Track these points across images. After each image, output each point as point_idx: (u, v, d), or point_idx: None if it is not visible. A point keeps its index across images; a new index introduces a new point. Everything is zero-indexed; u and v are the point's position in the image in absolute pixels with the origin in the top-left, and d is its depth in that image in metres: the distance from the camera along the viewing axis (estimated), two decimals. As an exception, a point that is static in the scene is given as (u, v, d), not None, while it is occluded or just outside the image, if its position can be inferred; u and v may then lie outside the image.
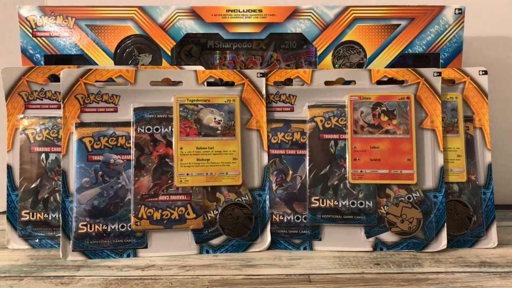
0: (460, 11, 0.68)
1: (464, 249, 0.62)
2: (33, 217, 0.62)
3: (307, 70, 0.63)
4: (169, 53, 0.69)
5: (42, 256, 0.60)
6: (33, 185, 0.62)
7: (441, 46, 0.69)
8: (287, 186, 0.63)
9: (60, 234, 0.58)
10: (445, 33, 0.69)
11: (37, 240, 0.62)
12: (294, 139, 0.63)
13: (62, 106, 0.60)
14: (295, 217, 0.62)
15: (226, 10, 0.68)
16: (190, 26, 0.68)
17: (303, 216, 0.62)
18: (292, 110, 0.64)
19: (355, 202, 0.61)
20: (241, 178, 0.61)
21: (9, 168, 0.63)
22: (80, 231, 0.58)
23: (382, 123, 0.62)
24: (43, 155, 0.63)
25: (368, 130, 0.62)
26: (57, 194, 0.62)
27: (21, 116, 0.63)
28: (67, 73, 0.60)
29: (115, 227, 0.59)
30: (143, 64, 0.69)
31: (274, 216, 0.62)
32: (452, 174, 0.62)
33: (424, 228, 0.61)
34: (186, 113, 0.61)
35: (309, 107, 0.63)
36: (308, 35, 0.69)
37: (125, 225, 0.59)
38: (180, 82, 0.63)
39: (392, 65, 0.69)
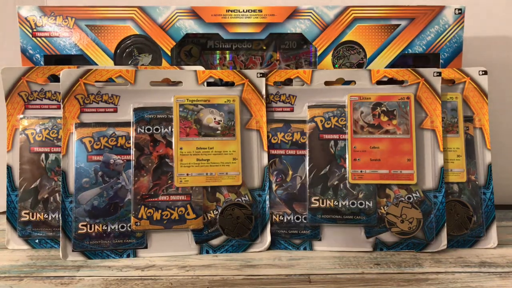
0: (460, 11, 0.68)
1: (464, 249, 0.62)
2: (33, 217, 0.62)
3: (307, 70, 0.63)
4: (169, 53, 0.69)
5: (42, 257, 0.60)
6: (33, 185, 0.62)
7: (441, 46, 0.69)
8: (287, 186, 0.63)
9: (60, 235, 0.58)
10: (445, 33, 0.69)
11: (37, 241, 0.62)
12: (294, 139, 0.63)
13: (62, 106, 0.60)
14: (295, 217, 0.62)
15: (226, 10, 0.68)
16: (190, 26, 0.68)
17: (303, 216, 0.62)
18: (292, 110, 0.64)
19: (355, 202, 0.61)
20: (241, 178, 0.61)
21: (9, 168, 0.63)
22: (80, 231, 0.58)
23: (382, 123, 0.62)
24: (43, 155, 0.63)
25: (368, 130, 0.62)
26: (57, 194, 0.62)
27: (21, 116, 0.63)
28: (67, 73, 0.60)
29: (115, 227, 0.59)
30: (143, 64, 0.69)
31: (274, 216, 0.62)
32: (452, 174, 0.62)
33: (424, 228, 0.61)
34: (186, 113, 0.61)
35: (309, 107, 0.63)
36: (308, 35, 0.69)
37: (125, 225, 0.59)
38: (180, 82, 0.63)
39: (392, 65, 0.69)
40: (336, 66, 0.70)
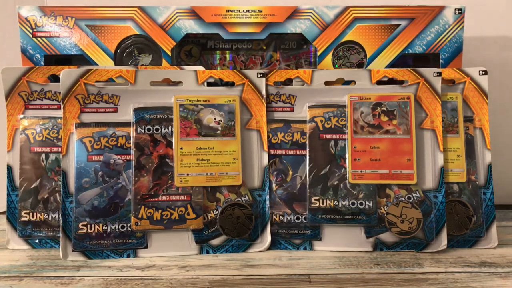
0: (460, 11, 0.68)
1: (464, 249, 0.62)
2: (33, 217, 0.62)
3: (307, 70, 0.63)
4: (169, 53, 0.69)
5: (42, 257, 0.60)
6: (33, 185, 0.62)
7: (441, 46, 0.69)
8: (287, 186, 0.63)
9: (60, 235, 0.58)
10: (445, 33, 0.69)
11: (37, 240, 0.62)
12: (294, 139, 0.63)
13: (62, 106, 0.60)
14: (295, 217, 0.62)
15: (226, 10, 0.68)
16: (190, 26, 0.68)
17: (303, 216, 0.62)
18: (292, 110, 0.64)
19: (355, 202, 0.61)
20: (241, 178, 0.61)
21: (9, 168, 0.63)
22: (80, 231, 0.58)
23: (382, 123, 0.62)
24: (43, 155, 0.63)
25: (368, 130, 0.62)
26: (57, 194, 0.62)
27: (21, 116, 0.63)
28: (67, 73, 0.60)
29: (115, 227, 0.59)
30: (143, 64, 0.69)
31: (274, 216, 0.62)
32: (452, 174, 0.62)
33: (424, 228, 0.61)
34: (186, 113, 0.61)
35: (309, 107, 0.63)
36: (308, 35, 0.69)
37: (125, 225, 0.59)
38: (180, 82, 0.63)
39: (392, 65, 0.69)
40: (336, 66, 0.70)
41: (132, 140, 0.60)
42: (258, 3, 0.72)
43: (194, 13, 0.68)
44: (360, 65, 0.70)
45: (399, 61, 0.69)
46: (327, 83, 0.64)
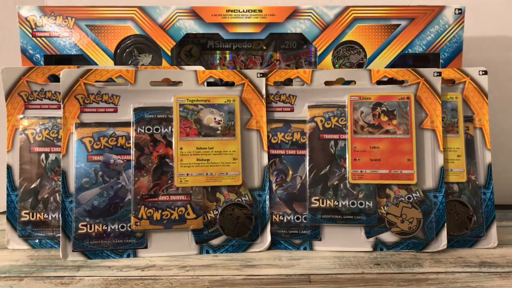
0: (460, 11, 0.68)
1: (464, 249, 0.62)
2: (33, 217, 0.62)
3: (307, 70, 0.63)
4: (169, 53, 0.69)
5: (42, 257, 0.60)
6: (33, 185, 0.62)
7: (441, 46, 0.69)
8: (287, 186, 0.63)
9: (60, 235, 0.58)
10: (445, 33, 0.69)
11: (37, 241, 0.62)
12: (294, 139, 0.63)
13: (62, 106, 0.60)
14: (295, 217, 0.62)
15: (226, 10, 0.68)
16: (190, 26, 0.68)
17: (303, 216, 0.62)
18: (292, 110, 0.64)
19: (355, 202, 0.61)
20: (241, 178, 0.61)
21: (9, 168, 0.63)
22: (80, 231, 0.58)
23: (382, 123, 0.62)
24: (43, 155, 0.63)
25: (368, 130, 0.62)
26: (57, 194, 0.62)
27: (21, 116, 0.63)
28: (67, 73, 0.60)
29: (115, 227, 0.59)
30: (143, 64, 0.69)
31: (274, 216, 0.62)
32: (452, 174, 0.62)
33: (424, 228, 0.61)
34: (186, 113, 0.61)
35: (309, 107, 0.63)
36: (308, 35, 0.69)
37: (125, 225, 0.59)
38: (180, 82, 0.63)
39: (392, 65, 0.69)
40: (336, 66, 0.70)
41: (132, 140, 0.60)
42: (258, 3, 0.72)
43: (194, 13, 0.68)
44: (360, 65, 0.70)
45: (399, 61, 0.69)
46: (327, 83, 0.64)
